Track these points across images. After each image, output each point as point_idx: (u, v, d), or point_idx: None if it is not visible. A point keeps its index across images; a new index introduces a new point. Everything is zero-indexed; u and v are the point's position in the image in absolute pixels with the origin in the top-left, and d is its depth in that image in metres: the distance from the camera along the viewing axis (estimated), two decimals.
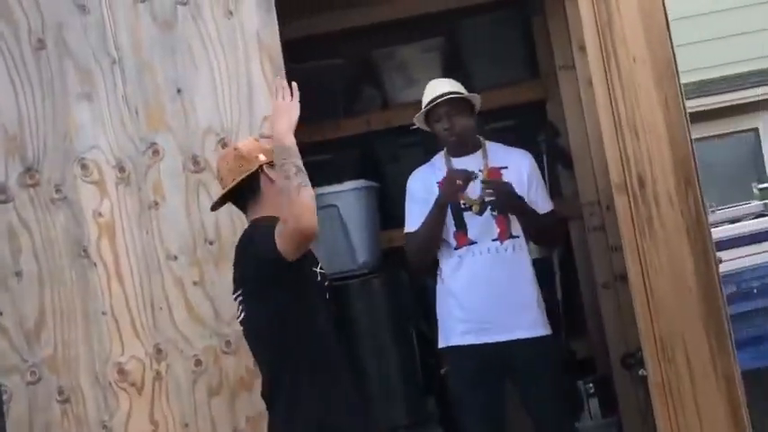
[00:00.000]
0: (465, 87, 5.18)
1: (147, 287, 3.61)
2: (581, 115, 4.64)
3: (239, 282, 3.07)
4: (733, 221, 5.23)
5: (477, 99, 3.84)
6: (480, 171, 3.77)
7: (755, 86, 9.30)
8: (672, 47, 2.61)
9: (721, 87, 9.09)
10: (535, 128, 4.87)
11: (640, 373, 3.62)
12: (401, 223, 4.83)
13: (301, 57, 4.83)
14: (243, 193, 3.14)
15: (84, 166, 3.65)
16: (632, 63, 3.03)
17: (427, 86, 3.91)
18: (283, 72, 3.66)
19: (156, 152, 3.65)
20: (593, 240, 4.61)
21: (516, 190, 3.75)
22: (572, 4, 4.27)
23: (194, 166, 3.64)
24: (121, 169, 3.65)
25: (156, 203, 3.64)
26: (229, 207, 3.56)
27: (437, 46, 5.27)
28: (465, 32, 5.26)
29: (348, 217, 4.07)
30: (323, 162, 4.66)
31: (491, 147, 3.88)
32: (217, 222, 3.61)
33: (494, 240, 3.72)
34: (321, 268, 3.09)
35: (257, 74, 3.66)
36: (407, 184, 3.92)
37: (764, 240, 4.21)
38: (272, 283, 2.93)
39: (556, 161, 4.73)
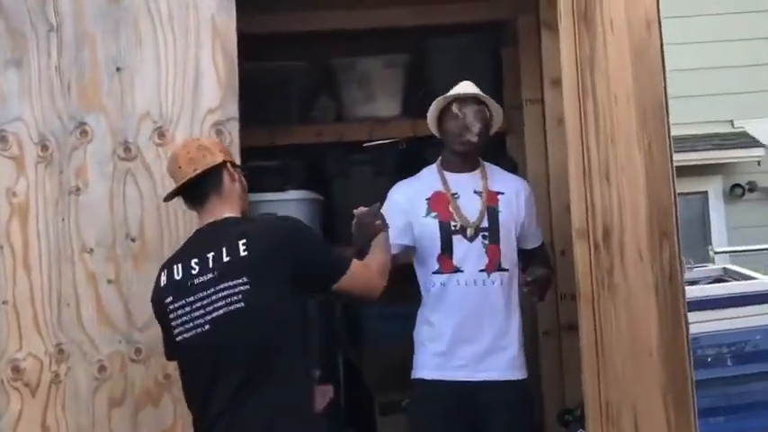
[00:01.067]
0: (424, 109, 5.00)
1: (57, 280, 3.28)
2: (543, 153, 4.43)
3: (251, 270, 2.80)
4: (691, 284, 5.03)
5: (498, 113, 3.57)
6: (477, 193, 3.47)
7: (707, 150, 9.23)
8: (665, 87, 2.36)
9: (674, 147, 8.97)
10: (492, 160, 4.64)
11: None
12: (345, 241, 4.58)
13: (262, 54, 4.55)
14: (203, 187, 2.91)
15: (3, 139, 3.31)
16: (612, 101, 2.79)
17: (457, 86, 3.59)
18: (236, 64, 3.38)
19: (84, 133, 3.33)
20: None
21: (510, 223, 3.47)
22: (549, 34, 4.09)
23: (125, 153, 3.32)
24: (44, 147, 3.32)
25: (78, 189, 3.31)
26: (157, 205, 3.29)
27: (401, 62, 5.03)
28: (431, 53, 5.03)
29: None
30: (269, 168, 4.37)
31: (489, 168, 3.59)
32: (142, 218, 3.30)
33: (481, 271, 3.40)
34: None
35: (207, 62, 3.36)
36: (389, 195, 3.56)
37: (725, 307, 3.99)
38: (303, 292, 2.88)
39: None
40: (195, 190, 2.92)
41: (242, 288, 2.76)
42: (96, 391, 3.25)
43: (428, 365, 3.41)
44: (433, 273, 3.42)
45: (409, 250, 3.49)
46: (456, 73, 4.92)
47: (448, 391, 3.35)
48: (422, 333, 3.47)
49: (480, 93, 3.50)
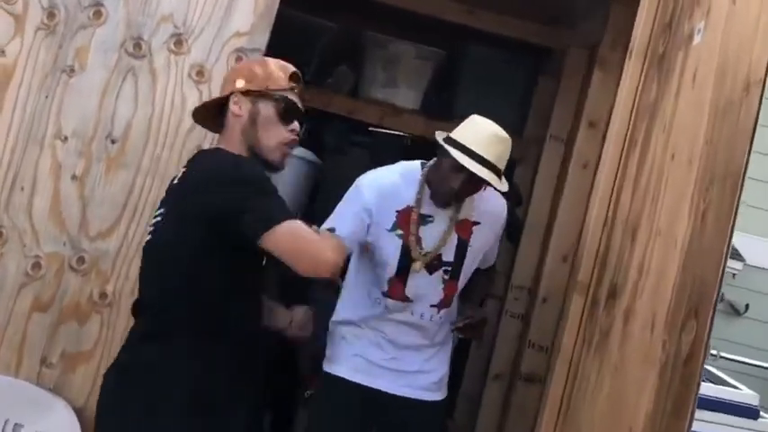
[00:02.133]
0: (445, 112, 4.75)
1: (19, 158, 2.97)
2: (551, 194, 4.21)
3: (171, 202, 2.52)
4: None
5: (505, 187, 2.99)
6: (452, 219, 3.03)
7: None
8: (747, 157, 2.10)
9: None
10: None
11: None
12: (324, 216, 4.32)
13: (296, 2, 4.27)
14: (216, 114, 2.68)
15: None
16: (668, 158, 2.55)
17: (480, 127, 2.95)
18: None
19: (98, 14, 3.02)
20: (505, 326, 4.15)
21: (478, 250, 3.11)
22: (602, 74, 3.87)
23: (134, 49, 3.02)
24: (51, 15, 3.01)
25: (72, 70, 3.00)
26: (150, 112, 3.01)
27: (435, 57, 4.79)
28: (467, 57, 4.79)
29: (277, 182, 3.44)
30: None
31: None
32: (130, 121, 3.01)
33: (432, 306, 3.06)
34: None
35: None
36: (361, 182, 3.08)
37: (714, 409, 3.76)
38: (225, 242, 2.41)
39: (504, 229, 4.25)
40: (210, 115, 2.70)
41: (158, 219, 2.53)
42: (23, 288, 2.95)
43: (347, 364, 3.07)
44: (382, 293, 3.05)
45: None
46: (485, 85, 4.74)
47: (361, 395, 3.05)
48: (346, 329, 3.12)
49: (497, 166, 2.90)
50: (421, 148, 4.85)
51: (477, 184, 2.93)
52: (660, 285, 2.35)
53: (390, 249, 3.01)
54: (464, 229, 3.07)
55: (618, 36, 3.80)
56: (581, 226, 3.80)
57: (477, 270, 3.17)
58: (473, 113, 3.04)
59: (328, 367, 3.13)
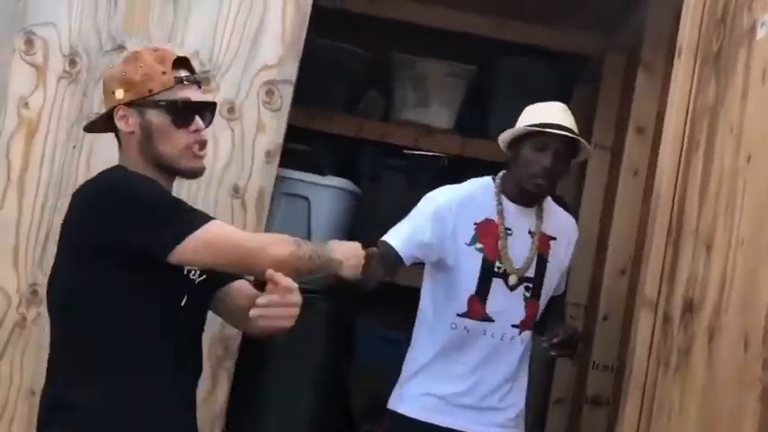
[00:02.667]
0: (480, 129, 4.60)
1: (50, 213, 2.86)
2: (599, 202, 4.05)
3: (61, 234, 2.29)
4: None
5: (586, 154, 3.01)
6: (531, 233, 2.93)
7: None
8: None
9: None
10: None
11: None
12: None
13: (317, 28, 4.15)
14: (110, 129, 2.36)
15: (28, 42, 2.90)
16: (742, 162, 2.38)
17: (545, 105, 3.00)
18: (306, 24, 2.98)
19: None
20: None
21: (555, 275, 2.99)
22: (647, 76, 3.71)
23: None
24: (72, 62, 2.90)
25: None
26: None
27: (465, 74, 4.64)
28: (499, 70, 4.64)
29: (317, 216, 3.33)
30: (298, 151, 3.94)
31: (548, 204, 3.03)
32: None
33: (513, 326, 2.91)
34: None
35: (276, 13, 2.96)
36: (434, 196, 2.97)
37: None
38: (122, 265, 2.14)
39: None
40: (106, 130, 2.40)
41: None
42: None
43: (420, 403, 2.91)
44: (459, 315, 2.90)
45: (409, 266, 2.95)
46: (520, 99, 4.57)
47: None
48: (420, 365, 2.95)
49: (579, 138, 2.91)
50: (458, 167, 4.72)
51: (564, 160, 2.88)
52: (750, 300, 2.18)
53: (470, 265, 2.87)
54: (542, 243, 2.95)
55: (659, 38, 3.65)
56: (636, 236, 3.65)
57: (552, 298, 3.03)
58: (509, 128, 2.97)
59: (395, 406, 2.97)
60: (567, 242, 3.04)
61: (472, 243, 2.89)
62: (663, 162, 2.88)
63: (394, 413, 2.96)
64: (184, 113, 2.25)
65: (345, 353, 3.55)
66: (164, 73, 2.24)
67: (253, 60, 2.94)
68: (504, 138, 2.98)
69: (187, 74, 2.28)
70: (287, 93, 2.93)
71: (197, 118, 2.26)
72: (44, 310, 2.78)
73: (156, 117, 2.24)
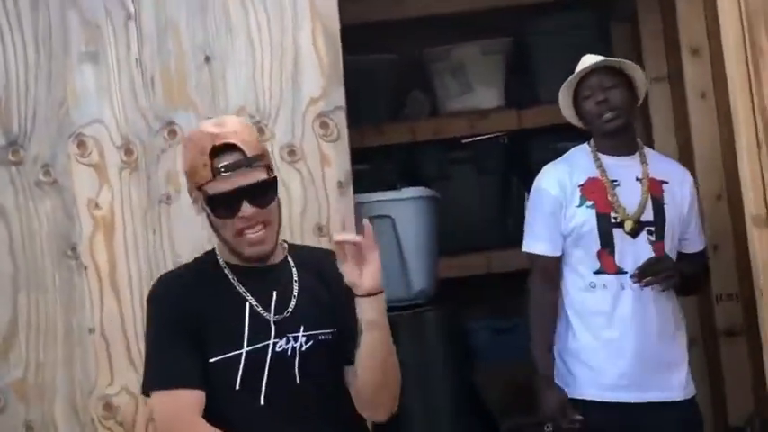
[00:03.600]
0: (531, 98, 4.55)
1: None
2: (672, 134, 3.97)
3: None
4: None
5: (640, 75, 3.02)
6: (639, 180, 2.95)
7: None
8: None
9: None
10: None
11: None
12: (453, 250, 4.12)
13: (345, 47, 4.14)
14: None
15: (81, 144, 2.92)
16: None
17: (580, 63, 3.05)
18: (339, 47, 2.96)
19: (172, 133, 2.92)
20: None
21: (675, 218, 2.96)
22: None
23: None
24: (128, 151, 2.92)
25: (169, 197, 2.90)
26: None
27: (501, 48, 4.59)
28: (533, 35, 4.60)
29: (405, 232, 3.30)
30: (360, 172, 3.91)
31: (649, 152, 3.07)
32: None
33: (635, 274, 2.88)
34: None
35: (307, 46, 2.94)
36: (536, 184, 3.01)
37: None
38: None
39: None
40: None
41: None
42: None
43: (584, 383, 2.89)
44: (594, 272, 2.90)
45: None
46: (561, 56, 4.50)
47: (608, 413, 2.85)
48: (573, 344, 2.94)
49: (599, 60, 2.97)
50: (519, 141, 4.66)
51: (618, 89, 2.92)
52: None
53: (586, 223, 2.90)
54: (654, 187, 2.95)
55: None
56: (723, 159, 3.56)
57: (687, 258, 3.01)
58: (557, 89, 3.03)
59: (578, 392, 2.92)
60: (681, 186, 3.01)
61: (581, 204, 2.93)
62: (732, 75, 2.80)
63: (580, 400, 2.92)
64: (225, 205, 2.18)
65: (465, 355, 3.51)
66: (204, 165, 2.18)
67: (298, 98, 2.92)
68: (567, 114, 3.07)
69: (226, 163, 2.16)
70: (341, 120, 2.91)
71: (244, 204, 2.17)
72: None
73: (207, 208, 2.23)
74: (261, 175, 2.19)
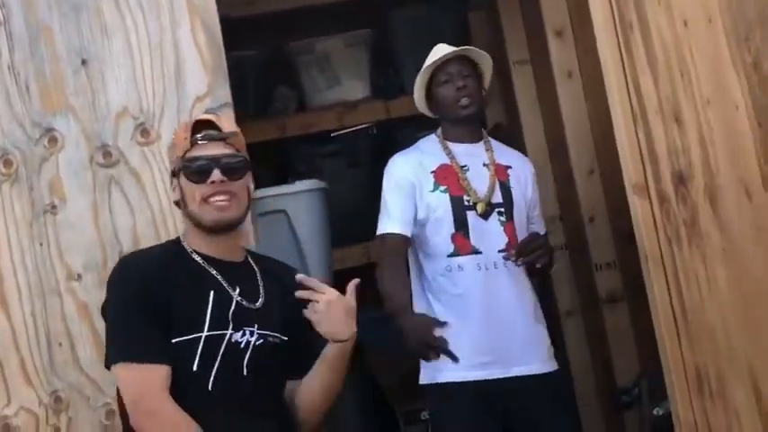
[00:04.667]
0: (397, 88, 4.62)
1: (42, 317, 2.76)
2: (538, 114, 4.11)
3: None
4: None
5: (488, 63, 3.16)
6: (486, 165, 3.07)
7: None
8: None
9: None
10: None
11: (655, 412, 3.03)
12: (341, 242, 4.15)
13: None
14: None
15: None
16: (681, 28, 2.43)
17: (432, 52, 3.17)
18: (221, 43, 2.93)
19: (53, 140, 2.82)
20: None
21: (522, 200, 3.09)
22: None
23: (104, 158, 2.83)
24: (7, 162, 2.80)
25: (54, 207, 2.80)
26: (151, 214, 2.81)
27: (364, 39, 4.67)
28: (394, 26, 4.67)
29: (300, 225, 3.31)
30: None
31: (492, 141, 3.20)
32: (135, 232, 2.81)
33: (500, 251, 2.99)
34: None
35: (187, 43, 2.89)
36: (388, 169, 3.12)
37: None
38: None
39: None
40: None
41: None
42: None
43: (447, 366, 2.96)
44: (449, 255, 2.99)
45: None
46: (422, 45, 4.59)
47: (474, 394, 2.93)
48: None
49: (459, 48, 3.12)
50: (388, 131, 4.73)
51: (471, 77, 3.08)
52: (737, 153, 2.25)
53: (441, 206, 3.01)
54: (499, 171, 3.09)
55: None
56: (591, 135, 3.72)
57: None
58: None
59: (429, 378, 2.99)
60: (523, 170, 3.16)
61: (435, 189, 3.04)
62: (603, 53, 2.92)
63: (428, 385, 2.98)
64: (199, 169, 2.37)
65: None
66: (185, 138, 2.42)
67: (183, 97, 2.86)
68: (418, 100, 3.21)
69: (203, 134, 2.40)
70: (229, 116, 2.88)
71: (215, 171, 2.36)
72: (72, 412, 2.74)
73: (182, 179, 2.40)
74: (233, 150, 2.41)
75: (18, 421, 2.74)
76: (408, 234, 3.03)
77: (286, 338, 2.39)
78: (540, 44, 3.86)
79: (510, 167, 3.11)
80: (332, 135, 4.66)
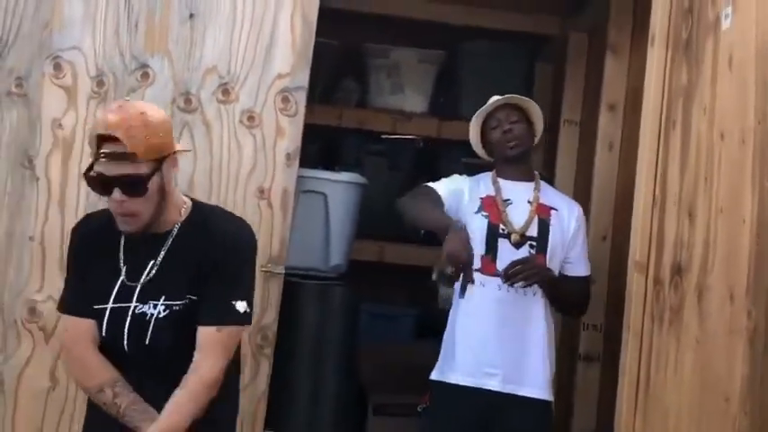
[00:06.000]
0: (453, 111, 4.91)
1: None
2: (572, 175, 4.39)
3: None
4: None
5: (538, 113, 3.44)
6: (529, 202, 3.37)
7: None
8: None
9: None
10: None
11: None
12: (361, 235, 4.44)
13: None
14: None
15: (57, 66, 3.11)
16: (717, 138, 2.71)
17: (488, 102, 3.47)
18: (313, 33, 3.24)
19: (145, 75, 3.14)
20: None
21: (559, 238, 3.36)
22: (614, 58, 4.02)
23: (185, 104, 3.15)
24: (100, 83, 3.12)
25: None
26: (209, 164, 3.12)
27: (436, 59, 4.93)
28: (466, 55, 4.94)
29: (334, 210, 3.60)
30: None
31: (545, 184, 3.50)
32: (192, 176, 3.14)
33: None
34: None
35: (285, 25, 3.21)
36: (450, 176, 3.47)
37: None
38: None
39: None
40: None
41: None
42: None
43: (455, 369, 3.25)
44: (476, 270, 3.21)
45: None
46: (486, 79, 4.88)
47: (472, 399, 3.21)
48: (452, 335, 3.31)
49: (506, 96, 3.41)
50: (433, 148, 5.02)
51: (520, 124, 3.36)
52: (732, 260, 2.51)
53: (478, 228, 3.27)
54: (542, 210, 3.37)
55: (623, 22, 3.96)
56: (614, 205, 4.00)
57: (569, 277, 3.41)
58: (478, 109, 3.45)
59: (437, 375, 3.28)
60: (569, 214, 3.41)
61: (478, 212, 3.33)
62: (644, 137, 3.20)
63: (434, 381, 3.28)
64: (100, 186, 2.41)
65: (356, 332, 3.82)
66: (92, 146, 2.40)
67: (268, 71, 3.18)
68: (474, 144, 3.50)
69: (105, 151, 2.35)
70: (301, 98, 3.19)
71: (114, 191, 2.37)
72: None
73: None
74: (133, 170, 2.35)
75: (44, 307, 3.05)
76: (445, 203, 3.29)
77: (195, 297, 2.47)
78: (593, 111, 4.11)
79: (555, 209, 3.38)
80: (382, 137, 4.94)
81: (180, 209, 2.54)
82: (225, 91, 3.14)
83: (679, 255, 2.90)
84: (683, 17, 3.11)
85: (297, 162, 3.19)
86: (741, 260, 2.49)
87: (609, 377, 3.72)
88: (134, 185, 2.37)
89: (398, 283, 4.99)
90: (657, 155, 3.16)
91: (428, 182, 3.43)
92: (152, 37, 3.14)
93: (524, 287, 3.25)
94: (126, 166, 2.34)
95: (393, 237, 4.67)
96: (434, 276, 3.00)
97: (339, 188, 3.64)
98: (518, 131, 3.37)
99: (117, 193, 2.37)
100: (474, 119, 3.44)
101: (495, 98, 3.42)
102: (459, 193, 3.34)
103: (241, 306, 2.46)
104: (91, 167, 2.38)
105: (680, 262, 2.89)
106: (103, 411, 2.46)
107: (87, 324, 2.50)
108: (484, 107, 3.43)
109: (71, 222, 3.05)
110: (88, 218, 2.68)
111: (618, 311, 3.40)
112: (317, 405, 3.54)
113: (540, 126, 3.49)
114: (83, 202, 3.08)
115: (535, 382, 3.27)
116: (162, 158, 2.41)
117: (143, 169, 2.36)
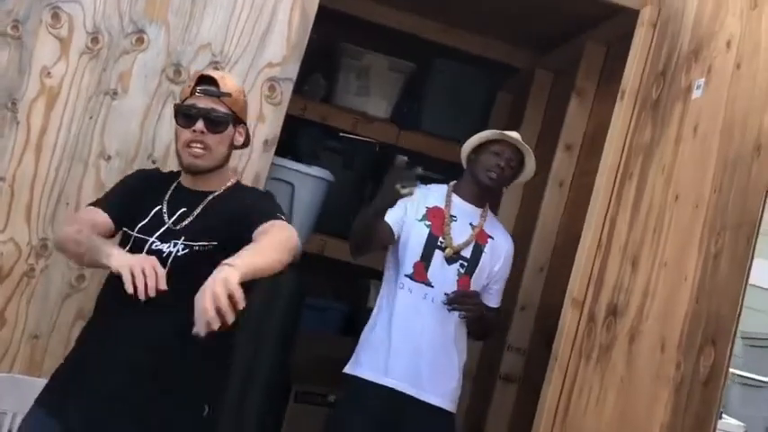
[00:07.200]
0: (413, 123, 5.06)
1: (64, 175, 3.14)
2: (517, 204, 4.57)
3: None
4: None
5: (532, 168, 3.60)
6: (472, 226, 3.52)
7: None
8: (762, 210, 2.42)
9: None
10: None
11: None
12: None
13: None
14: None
15: (55, 16, 3.15)
16: (671, 199, 2.89)
17: (508, 132, 3.60)
18: (309, 29, 3.35)
19: (140, 40, 3.20)
20: None
21: (487, 266, 3.51)
22: (579, 101, 4.22)
23: (174, 75, 3.22)
24: (95, 40, 3.18)
25: (115, 93, 3.18)
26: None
27: (406, 69, 5.08)
28: (435, 70, 5.09)
29: (299, 201, 3.71)
30: None
31: (490, 214, 3.64)
32: (169, 146, 3.20)
33: (446, 294, 3.40)
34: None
35: (283, 17, 3.31)
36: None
37: None
38: None
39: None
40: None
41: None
42: (66, 298, 3.12)
43: (369, 365, 3.38)
44: (406, 275, 3.42)
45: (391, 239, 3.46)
46: (449, 98, 5.06)
47: (381, 396, 3.34)
48: (372, 332, 3.45)
49: (526, 145, 3.55)
50: (389, 154, 5.14)
51: (512, 169, 3.52)
52: (669, 312, 2.70)
53: (419, 235, 3.44)
54: (481, 236, 3.52)
55: (592, 68, 4.16)
56: (555, 240, 4.19)
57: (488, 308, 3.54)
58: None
59: (351, 370, 3.41)
60: (502, 246, 3.57)
61: (422, 220, 3.48)
62: (599, 184, 3.40)
63: (348, 375, 3.41)
64: (187, 115, 2.74)
65: (297, 320, 3.93)
66: (189, 87, 2.79)
67: (259, 57, 3.28)
68: (471, 142, 3.57)
69: (202, 88, 2.75)
70: (287, 89, 3.30)
71: (199, 121, 2.73)
72: (51, 262, 3.11)
73: (175, 121, 2.80)
74: (221, 107, 2.75)
75: (4, 249, 3.09)
76: (393, 228, 3.42)
77: (216, 243, 2.64)
78: (549, 149, 4.29)
79: (492, 238, 3.52)
80: (340, 134, 5.05)
81: (228, 179, 2.84)
82: (215, 69, 3.22)
83: (616, 298, 3.10)
84: (655, 78, 3.32)
85: (273, 150, 3.29)
86: (677, 315, 2.69)
87: (525, 399, 3.92)
88: (217, 121, 2.74)
89: (334, 277, 5.13)
90: (609, 202, 3.36)
91: (377, 186, 3.54)
92: (153, 4, 3.20)
93: (461, 318, 3.42)
94: (216, 103, 2.73)
95: (335, 233, 4.79)
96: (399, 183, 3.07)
97: (307, 181, 3.75)
98: (508, 174, 3.52)
99: (200, 124, 2.71)
100: (485, 133, 3.55)
101: (517, 135, 3.54)
102: (401, 212, 3.43)
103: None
104: (183, 101, 2.75)
105: (616, 304, 3.08)
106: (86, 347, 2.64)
107: (104, 218, 2.74)
108: (506, 132, 3.53)
109: (44, 170, 3.13)
110: (153, 169, 3.02)
111: (544, 338, 3.58)
112: (252, 387, 3.63)
113: (521, 181, 3.65)
114: (58, 153, 3.13)
115: (440, 392, 3.41)
116: (239, 120, 2.82)
117: (227, 111, 2.75)
